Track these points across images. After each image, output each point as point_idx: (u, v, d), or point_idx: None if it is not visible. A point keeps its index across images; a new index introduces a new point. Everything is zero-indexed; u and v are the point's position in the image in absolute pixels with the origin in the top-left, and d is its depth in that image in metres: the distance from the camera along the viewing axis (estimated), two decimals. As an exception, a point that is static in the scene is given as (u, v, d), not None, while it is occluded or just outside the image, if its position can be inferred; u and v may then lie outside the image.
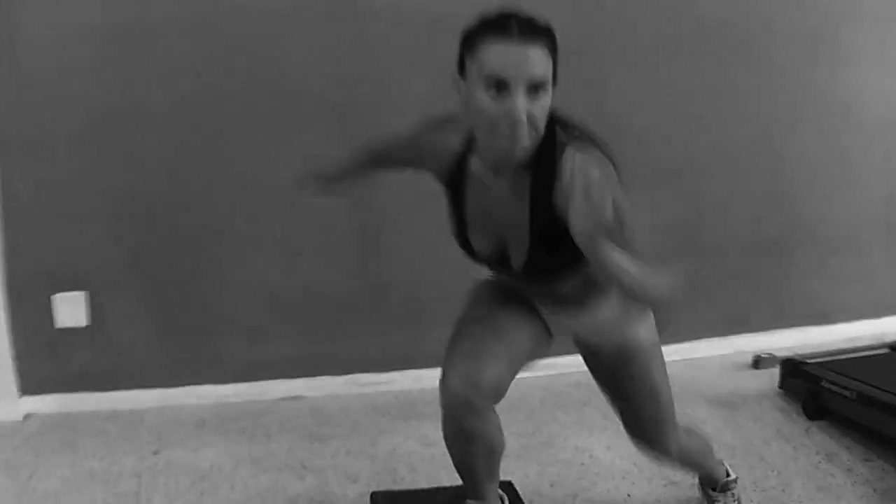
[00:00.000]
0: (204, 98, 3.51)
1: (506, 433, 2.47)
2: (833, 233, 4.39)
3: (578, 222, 2.04)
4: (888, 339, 4.34)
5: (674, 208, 4.05)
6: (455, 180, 2.30)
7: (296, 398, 3.74)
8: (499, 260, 2.33)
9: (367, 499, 2.99)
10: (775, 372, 4.00)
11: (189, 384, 3.70)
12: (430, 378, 3.67)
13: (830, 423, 3.57)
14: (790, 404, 3.74)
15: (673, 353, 4.13)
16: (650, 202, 3.84)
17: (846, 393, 3.45)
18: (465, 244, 2.37)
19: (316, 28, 3.55)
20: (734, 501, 2.93)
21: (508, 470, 2.81)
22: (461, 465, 2.58)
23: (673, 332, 4.15)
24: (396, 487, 3.08)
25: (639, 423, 2.64)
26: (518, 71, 1.96)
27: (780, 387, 3.84)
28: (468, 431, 2.40)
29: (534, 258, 2.24)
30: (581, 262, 2.20)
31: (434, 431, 3.19)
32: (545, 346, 2.53)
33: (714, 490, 2.93)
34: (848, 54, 4.21)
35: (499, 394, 2.35)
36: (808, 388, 3.67)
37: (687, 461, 2.82)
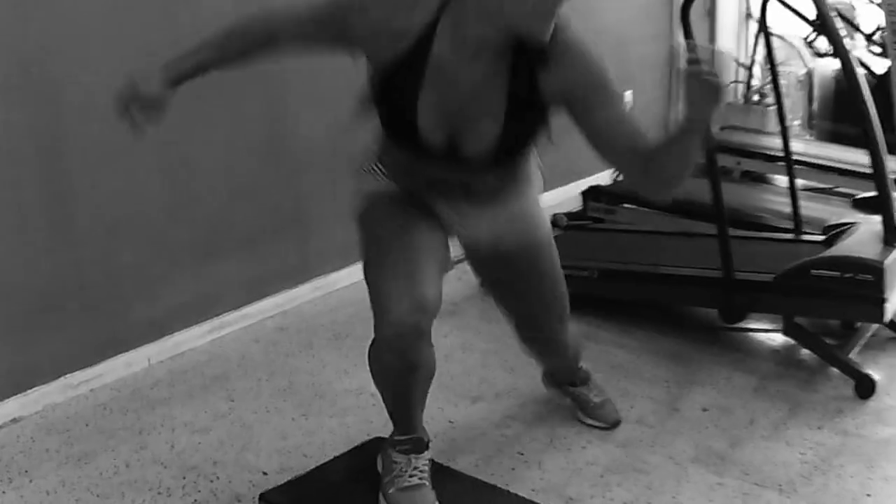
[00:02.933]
0: None
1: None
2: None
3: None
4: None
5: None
6: (408, 64, 2.06)
7: (15, 421, 3.07)
8: (447, 149, 2.15)
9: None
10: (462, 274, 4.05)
11: None
12: (140, 360, 3.41)
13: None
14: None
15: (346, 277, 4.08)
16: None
17: (584, 273, 3.63)
18: (410, 134, 2.14)
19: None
20: (596, 388, 3.00)
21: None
22: (398, 400, 2.42)
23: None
24: (216, 485, 2.70)
25: (540, 324, 2.66)
26: None
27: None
28: (413, 361, 2.26)
29: (505, 140, 2.13)
30: (534, 142, 2.22)
31: (196, 411, 3.14)
32: (448, 255, 2.42)
33: (575, 385, 2.98)
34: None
35: (438, 311, 2.23)
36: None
37: (575, 354, 2.88)
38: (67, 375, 3.22)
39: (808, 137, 5.99)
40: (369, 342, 2.31)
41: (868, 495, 2.64)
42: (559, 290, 2.59)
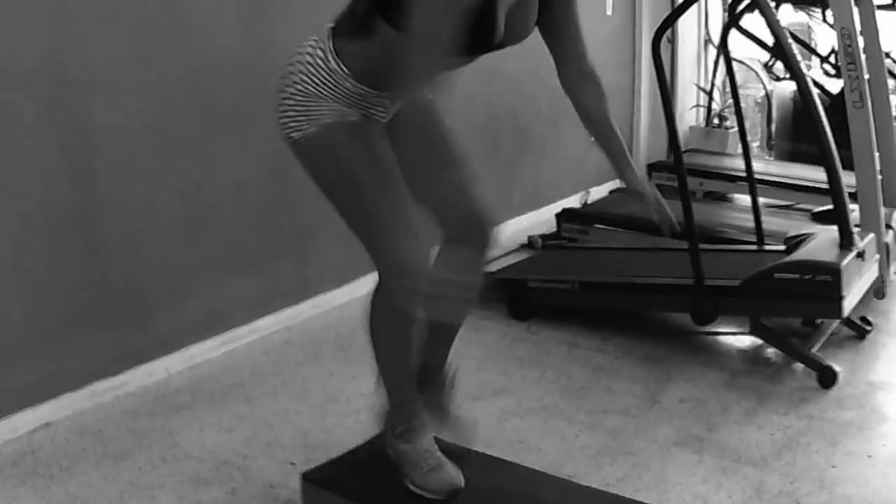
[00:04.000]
0: None
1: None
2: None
3: None
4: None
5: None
6: None
7: (47, 425, 3.31)
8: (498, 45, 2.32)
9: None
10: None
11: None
12: (159, 370, 3.68)
13: (541, 319, 4.11)
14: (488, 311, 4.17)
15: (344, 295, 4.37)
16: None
17: (566, 286, 3.95)
18: (485, 38, 2.26)
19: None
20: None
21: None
22: (404, 360, 2.56)
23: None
24: (249, 474, 2.97)
25: (464, 195, 2.54)
26: None
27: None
28: (414, 308, 2.38)
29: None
30: None
31: (219, 413, 3.39)
32: None
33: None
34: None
35: None
36: (511, 292, 4.11)
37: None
38: (94, 383, 3.47)
39: (767, 157, 6.35)
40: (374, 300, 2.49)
41: (833, 467, 2.96)
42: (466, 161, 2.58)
